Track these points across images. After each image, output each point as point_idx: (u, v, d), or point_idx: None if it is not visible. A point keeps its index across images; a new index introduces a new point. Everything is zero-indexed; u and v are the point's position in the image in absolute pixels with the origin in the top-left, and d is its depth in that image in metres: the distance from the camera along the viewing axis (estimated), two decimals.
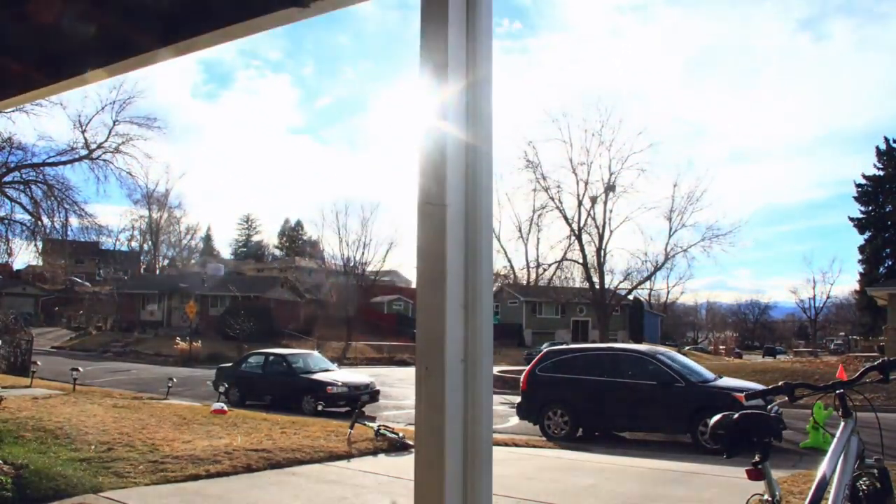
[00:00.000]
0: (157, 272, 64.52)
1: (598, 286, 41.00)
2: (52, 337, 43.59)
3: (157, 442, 8.02)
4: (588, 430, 12.35)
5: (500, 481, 6.90)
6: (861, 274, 50.67)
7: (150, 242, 67.65)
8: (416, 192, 1.39)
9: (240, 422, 10.29)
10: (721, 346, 55.86)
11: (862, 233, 49.48)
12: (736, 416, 3.15)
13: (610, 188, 40.40)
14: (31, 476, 5.76)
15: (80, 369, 17.61)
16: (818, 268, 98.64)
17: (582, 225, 40.92)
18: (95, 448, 7.42)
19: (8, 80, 2.39)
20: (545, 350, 15.12)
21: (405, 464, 7.86)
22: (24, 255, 48.73)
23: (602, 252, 40.88)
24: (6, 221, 30.28)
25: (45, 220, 30.55)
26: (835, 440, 3.22)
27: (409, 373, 27.57)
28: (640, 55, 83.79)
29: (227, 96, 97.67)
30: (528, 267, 58.44)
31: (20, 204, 29.96)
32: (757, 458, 3.00)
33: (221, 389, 16.82)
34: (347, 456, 8.24)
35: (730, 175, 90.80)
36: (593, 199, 40.85)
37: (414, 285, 1.82)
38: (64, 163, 30.53)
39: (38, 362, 19.89)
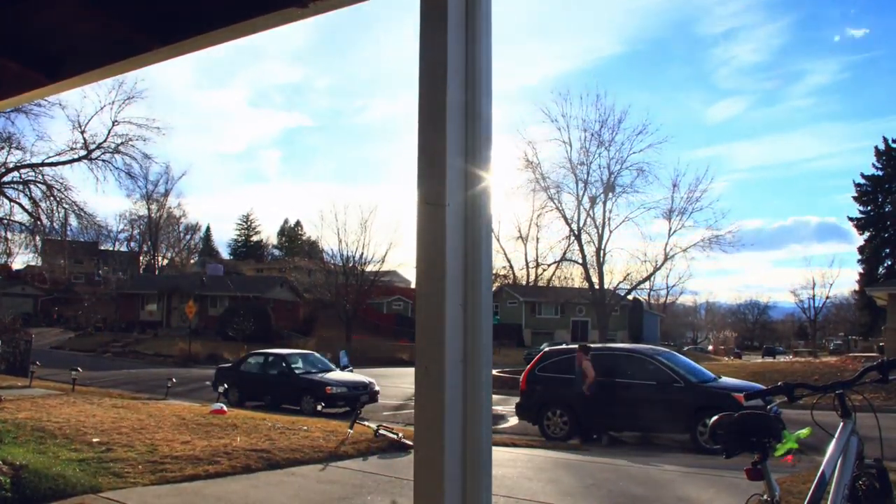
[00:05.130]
0: (157, 272, 64.49)
1: (597, 286, 41.03)
2: (51, 337, 43.54)
3: (156, 442, 8.01)
4: (587, 431, 12.35)
5: (500, 481, 6.90)
6: (860, 274, 50.75)
7: (149, 242, 67.63)
8: (416, 192, 1.39)
9: (239, 422, 10.28)
10: (721, 346, 55.88)
11: (861, 233, 49.59)
12: (736, 416, 3.15)
13: (609, 188, 40.45)
14: (30, 476, 5.75)
15: (80, 369, 17.61)
16: (818, 267, 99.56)
17: (581, 225, 40.98)
18: (94, 448, 7.41)
19: (8, 80, 2.39)
20: (544, 350, 15.12)
21: (405, 464, 7.86)
22: (24, 255, 48.71)
23: (601, 252, 40.94)
24: (5, 221, 30.29)
25: (45, 220, 30.61)
26: (834, 440, 3.22)
27: (408, 373, 27.56)
28: None
29: (227, 93, 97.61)
30: (527, 267, 58.51)
31: (19, 204, 30.01)
32: (756, 458, 3.00)
33: (221, 390, 16.82)
34: (347, 456, 8.24)
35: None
36: (593, 199, 40.90)
37: (414, 285, 1.82)
38: (63, 163, 30.57)
39: (38, 362, 19.89)
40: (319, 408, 14.77)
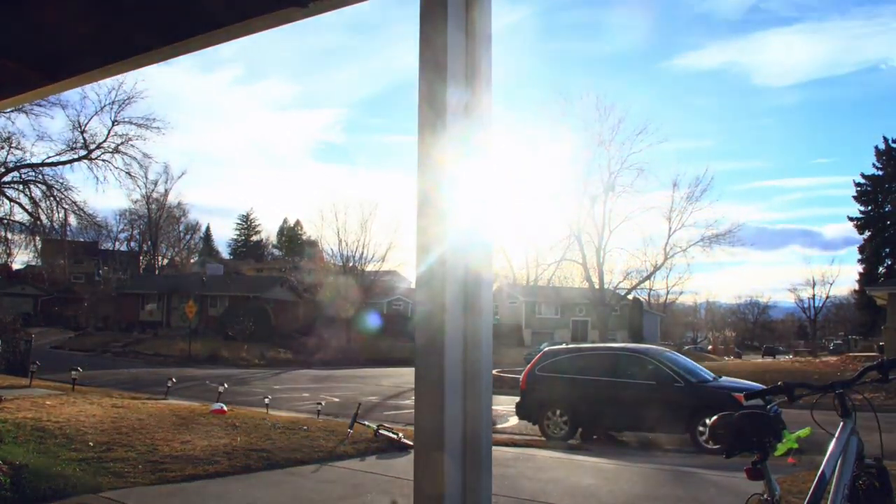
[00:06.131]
0: (157, 272, 64.51)
1: (597, 286, 41.05)
2: (51, 337, 43.48)
3: (155, 442, 8.01)
4: (587, 430, 12.34)
5: (500, 481, 6.89)
6: (860, 273, 50.76)
7: (149, 242, 67.65)
8: (416, 192, 1.38)
9: (239, 422, 10.28)
10: (721, 346, 55.88)
11: (861, 233, 49.61)
12: (735, 416, 3.15)
13: (609, 188, 40.49)
14: (29, 476, 5.75)
15: (80, 369, 17.58)
16: (817, 266, 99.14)
17: (582, 225, 40.97)
18: (94, 448, 7.41)
19: (7, 80, 2.39)
20: (544, 350, 15.11)
21: (405, 464, 7.85)
22: (23, 255, 48.77)
23: (601, 252, 40.95)
24: (5, 221, 30.30)
25: (45, 219, 30.62)
26: (834, 440, 3.22)
27: (408, 373, 27.57)
28: None
29: (226, 92, 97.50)
30: (527, 267, 58.51)
31: (19, 204, 30.02)
32: (756, 458, 3.00)
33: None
34: (346, 456, 8.24)
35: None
36: (593, 199, 40.92)
37: (414, 285, 1.82)
38: (63, 163, 30.56)
39: (37, 362, 19.86)
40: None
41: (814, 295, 67.60)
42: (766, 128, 78.57)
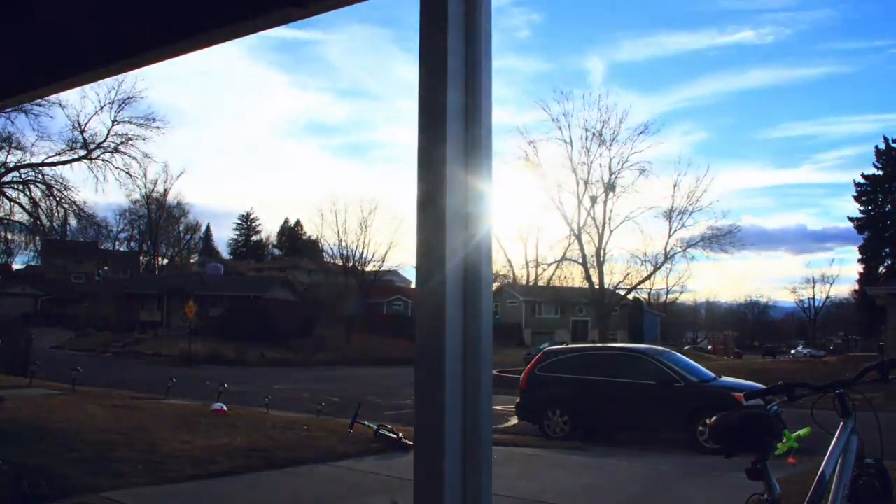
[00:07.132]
0: (157, 272, 64.52)
1: (597, 286, 41.04)
2: (51, 337, 43.49)
3: (156, 442, 8.02)
4: (587, 431, 12.34)
5: (500, 481, 6.90)
6: (860, 273, 50.81)
7: (149, 242, 67.66)
8: (416, 192, 1.38)
9: (239, 422, 10.28)
10: (720, 346, 55.87)
11: (861, 232, 49.62)
12: (735, 416, 3.16)
13: (610, 188, 40.47)
14: (29, 476, 5.75)
15: (80, 369, 17.58)
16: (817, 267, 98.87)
17: (582, 225, 40.96)
18: (94, 448, 7.41)
19: (7, 80, 2.39)
20: (544, 350, 15.12)
21: (404, 464, 7.86)
22: (24, 255, 48.74)
23: (601, 252, 40.95)
24: (5, 221, 30.30)
25: (45, 219, 30.61)
26: (834, 440, 3.22)
27: (408, 373, 27.54)
28: None
29: (226, 92, 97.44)
30: (527, 267, 58.47)
31: (19, 204, 30.00)
32: (756, 458, 3.00)
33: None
34: (347, 455, 8.24)
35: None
36: (593, 199, 40.90)
37: (414, 285, 1.82)
38: (63, 163, 30.50)
39: (38, 362, 19.86)
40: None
41: (814, 295, 67.62)
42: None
